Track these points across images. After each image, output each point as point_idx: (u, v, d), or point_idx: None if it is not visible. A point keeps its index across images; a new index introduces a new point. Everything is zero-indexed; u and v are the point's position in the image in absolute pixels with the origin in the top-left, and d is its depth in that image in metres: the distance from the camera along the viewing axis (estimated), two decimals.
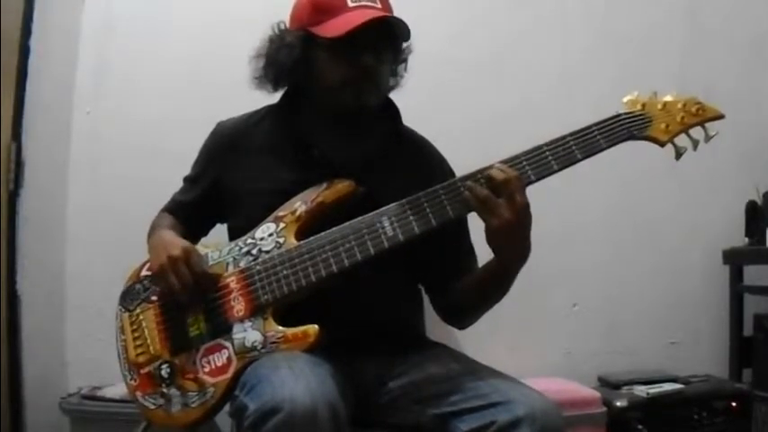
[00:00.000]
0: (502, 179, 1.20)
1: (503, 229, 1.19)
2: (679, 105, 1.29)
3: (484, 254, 1.33)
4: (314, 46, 1.37)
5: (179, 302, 1.32)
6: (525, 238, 1.23)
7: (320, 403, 1.06)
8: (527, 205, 1.20)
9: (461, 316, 1.46)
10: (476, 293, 1.38)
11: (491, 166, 1.24)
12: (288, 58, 1.39)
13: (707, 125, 1.29)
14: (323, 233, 1.30)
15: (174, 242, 1.36)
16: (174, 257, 1.30)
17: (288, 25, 1.44)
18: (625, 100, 1.30)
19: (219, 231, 1.52)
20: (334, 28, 1.33)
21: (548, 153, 1.26)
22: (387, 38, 1.38)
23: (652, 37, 2.44)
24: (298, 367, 1.13)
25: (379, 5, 1.37)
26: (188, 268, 1.30)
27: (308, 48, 1.38)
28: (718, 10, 2.49)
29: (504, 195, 1.19)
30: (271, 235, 1.34)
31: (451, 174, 1.45)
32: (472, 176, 1.26)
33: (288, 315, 1.29)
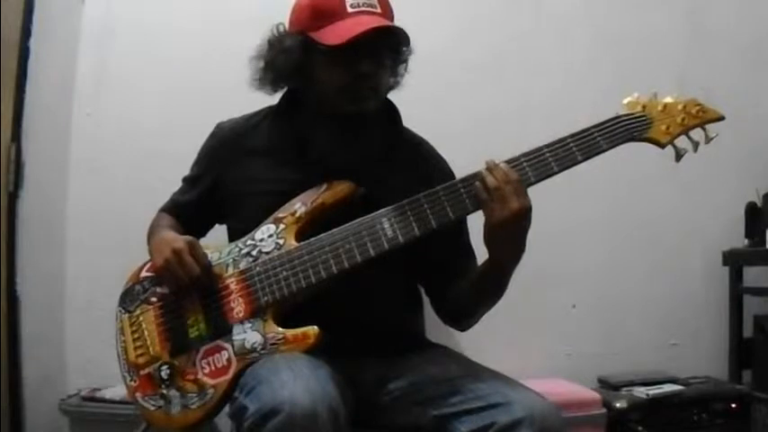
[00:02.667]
0: (512, 177, 1.21)
1: (507, 223, 1.20)
2: (679, 107, 1.29)
3: (483, 256, 1.33)
4: (313, 51, 1.36)
5: (185, 295, 1.32)
6: (523, 237, 1.24)
7: (320, 405, 1.06)
8: (530, 206, 1.22)
9: (461, 317, 1.46)
10: (473, 294, 1.38)
11: (497, 166, 1.24)
12: (286, 64, 1.39)
13: (707, 127, 1.29)
14: (323, 234, 1.30)
15: (177, 236, 1.36)
16: (179, 249, 1.30)
17: (287, 27, 1.43)
18: (625, 101, 1.30)
19: (219, 232, 1.52)
20: (333, 35, 1.32)
21: (548, 154, 1.26)
22: (386, 44, 1.37)
23: (653, 38, 2.44)
24: (298, 369, 1.13)
25: (379, 10, 1.36)
26: (193, 259, 1.30)
27: (307, 53, 1.37)
28: (719, 11, 2.49)
29: (514, 191, 1.21)
30: (271, 236, 1.34)
31: (451, 175, 1.45)
32: (472, 178, 1.26)
33: (288, 316, 1.29)
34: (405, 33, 1.35)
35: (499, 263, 1.29)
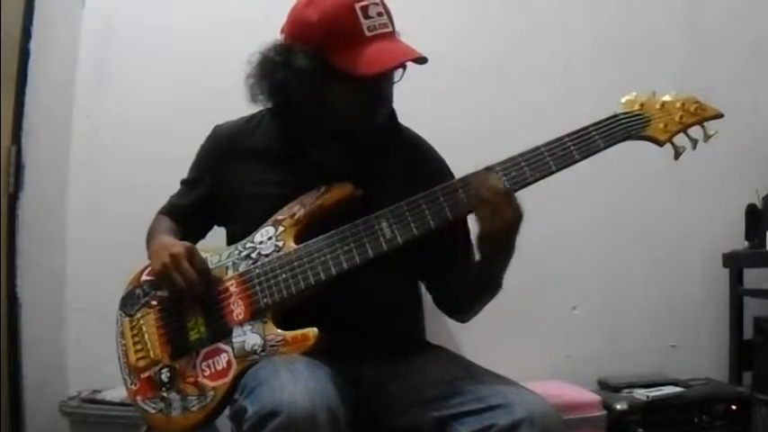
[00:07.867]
0: (501, 188, 1.23)
1: (499, 233, 1.22)
2: (677, 105, 1.29)
3: None
4: (329, 73, 1.30)
5: (183, 301, 1.32)
6: (514, 241, 1.26)
7: (319, 407, 1.06)
8: (522, 214, 1.23)
9: (460, 311, 1.47)
10: (470, 290, 1.39)
11: (487, 177, 1.25)
12: (305, 89, 1.32)
13: (706, 124, 1.29)
14: (322, 236, 1.30)
15: (176, 242, 1.36)
16: (177, 255, 1.30)
17: (287, 40, 1.35)
18: (623, 100, 1.31)
19: (219, 235, 1.52)
20: (364, 64, 1.26)
21: (546, 154, 1.26)
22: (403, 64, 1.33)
23: (652, 40, 2.44)
24: (297, 370, 1.13)
25: (391, 28, 1.33)
26: (191, 265, 1.30)
27: (323, 74, 1.30)
28: (718, 13, 2.49)
29: (506, 201, 1.22)
30: (270, 238, 1.34)
31: (450, 174, 1.44)
32: (470, 179, 1.27)
33: (287, 318, 1.29)
34: (426, 59, 1.31)
35: (491, 264, 1.31)
